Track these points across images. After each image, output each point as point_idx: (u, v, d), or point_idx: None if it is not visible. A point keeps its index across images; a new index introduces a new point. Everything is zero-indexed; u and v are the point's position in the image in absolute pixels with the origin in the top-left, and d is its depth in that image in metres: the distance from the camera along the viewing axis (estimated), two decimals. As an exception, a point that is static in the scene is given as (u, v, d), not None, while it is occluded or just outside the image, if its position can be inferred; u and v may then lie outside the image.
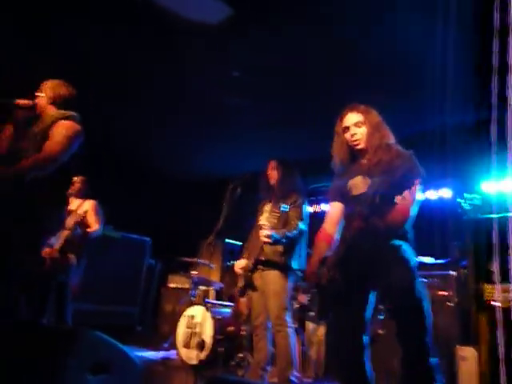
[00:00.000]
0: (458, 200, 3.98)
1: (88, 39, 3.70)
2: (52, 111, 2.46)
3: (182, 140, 5.64)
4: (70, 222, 3.09)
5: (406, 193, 1.75)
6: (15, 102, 2.43)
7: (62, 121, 2.37)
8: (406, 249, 1.80)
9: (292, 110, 4.55)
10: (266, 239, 2.76)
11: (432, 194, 4.84)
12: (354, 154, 2.05)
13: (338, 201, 2.05)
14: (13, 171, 2.18)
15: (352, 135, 2.01)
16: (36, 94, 2.51)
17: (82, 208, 3.33)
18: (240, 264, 3.08)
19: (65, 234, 2.98)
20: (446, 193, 4.75)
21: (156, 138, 5.63)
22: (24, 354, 1.79)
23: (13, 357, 1.68)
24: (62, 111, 2.44)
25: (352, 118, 2.03)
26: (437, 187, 4.84)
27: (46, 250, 2.79)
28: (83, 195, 3.36)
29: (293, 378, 2.76)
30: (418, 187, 1.85)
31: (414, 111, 4.24)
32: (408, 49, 3.45)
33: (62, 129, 2.33)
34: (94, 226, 3.19)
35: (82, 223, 3.19)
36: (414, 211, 1.82)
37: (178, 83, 4.32)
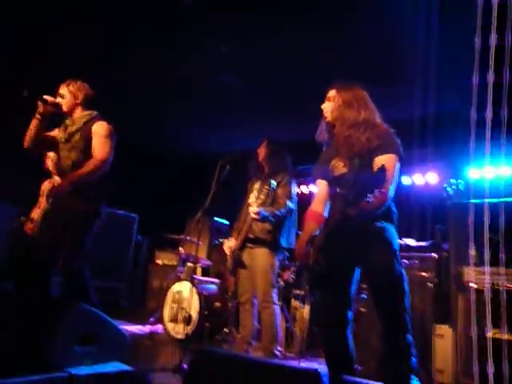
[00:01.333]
0: (444, 185, 4.08)
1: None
2: (80, 112, 2.69)
3: (171, 117, 5.60)
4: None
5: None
6: (44, 97, 2.61)
7: (96, 122, 2.65)
8: (389, 230, 1.84)
9: (283, 91, 4.53)
10: (255, 216, 2.80)
11: (419, 179, 4.92)
12: (330, 129, 2.05)
13: (323, 179, 2.07)
14: (74, 180, 2.47)
15: (322, 109, 2.04)
16: (60, 93, 2.68)
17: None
18: (229, 243, 3.13)
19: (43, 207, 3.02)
20: (432, 178, 4.83)
21: (145, 114, 5.57)
22: (12, 323, 1.82)
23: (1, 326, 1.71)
24: (89, 111, 2.70)
25: (329, 93, 2.05)
26: (423, 172, 4.92)
27: (28, 225, 2.81)
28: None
29: (277, 353, 2.85)
30: (395, 163, 1.87)
31: (402, 97, 4.27)
32: (394, 36, 3.46)
33: (101, 130, 2.62)
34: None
35: None
36: (392, 191, 1.83)
37: (166, 60, 4.26)
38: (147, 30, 3.78)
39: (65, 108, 2.68)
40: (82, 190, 2.55)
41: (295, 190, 3.13)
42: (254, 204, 2.82)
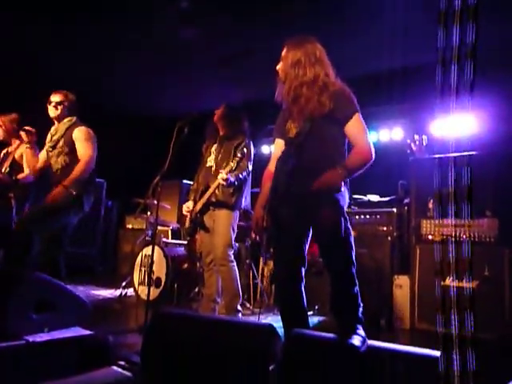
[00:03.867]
0: (408, 141, 4.13)
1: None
2: (65, 119, 2.94)
3: (136, 78, 5.38)
4: (5, 165, 3.13)
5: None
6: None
7: (76, 128, 2.90)
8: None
9: (242, 47, 4.38)
10: (223, 182, 2.79)
11: (384, 135, 4.96)
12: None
13: (281, 138, 2.05)
14: (69, 184, 2.70)
15: (276, 71, 1.99)
16: (53, 104, 2.92)
17: (18, 151, 3.28)
18: (187, 205, 3.14)
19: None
20: (397, 134, 4.88)
21: (106, 74, 5.33)
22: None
23: None
24: (69, 118, 2.95)
25: (283, 52, 2.00)
26: (389, 128, 4.95)
27: None
28: (18, 135, 3.22)
29: (239, 308, 2.95)
30: (362, 120, 1.87)
31: (367, 51, 4.21)
32: None
33: (81, 135, 2.88)
34: (25, 171, 3.16)
35: (14, 169, 3.25)
36: (372, 148, 1.84)
37: (126, 17, 4.04)
38: None
39: (57, 118, 2.96)
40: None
41: (252, 150, 3.14)
42: (223, 171, 2.82)
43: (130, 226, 5.78)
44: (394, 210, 3.61)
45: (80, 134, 2.89)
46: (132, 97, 6.10)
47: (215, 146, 3.14)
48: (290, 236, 1.83)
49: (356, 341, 1.56)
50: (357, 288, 1.74)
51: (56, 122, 2.98)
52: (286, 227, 1.82)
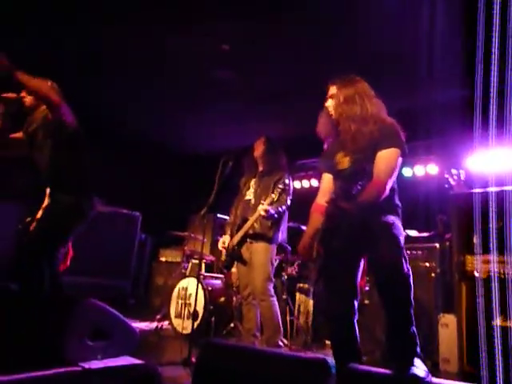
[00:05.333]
0: (446, 176, 4.10)
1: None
2: (41, 108, 2.49)
3: (174, 114, 5.60)
4: None
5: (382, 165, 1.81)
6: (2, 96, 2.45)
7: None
8: (397, 226, 1.86)
9: (283, 84, 4.53)
10: (264, 213, 2.84)
11: (419, 170, 4.94)
12: (335, 125, 2.07)
13: (328, 172, 2.10)
14: None
15: (326, 108, 2.06)
16: (25, 92, 2.49)
17: None
18: (223, 239, 3.18)
19: None
20: (432, 169, 4.85)
21: (147, 111, 5.59)
22: (24, 321, 1.85)
23: (15, 322, 1.74)
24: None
25: (329, 90, 2.07)
26: (424, 163, 4.93)
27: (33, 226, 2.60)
28: None
29: (281, 344, 2.90)
30: (397, 157, 1.89)
31: (401, 87, 4.28)
32: (396, 24, 3.46)
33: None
34: None
35: None
36: (388, 182, 1.84)
37: (171, 58, 4.27)
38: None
39: (27, 104, 2.53)
40: (62, 184, 2.46)
41: (292, 185, 3.20)
42: (264, 202, 2.88)
43: (163, 259, 5.84)
44: (437, 245, 3.53)
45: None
46: (167, 134, 6.33)
47: (254, 180, 3.21)
48: (342, 266, 1.83)
49: (419, 371, 1.51)
50: (414, 327, 1.72)
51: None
52: (338, 257, 1.82)
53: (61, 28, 3.83)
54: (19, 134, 2.61)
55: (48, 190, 2.52)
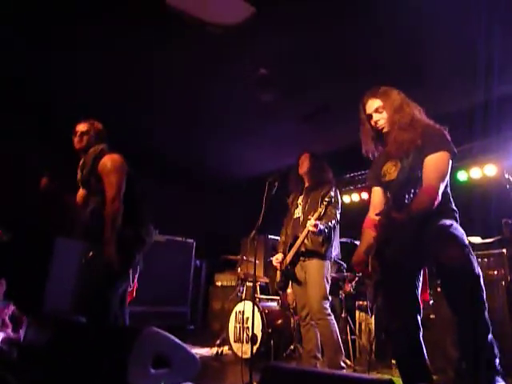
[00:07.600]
0: (506, 176, 3.84)
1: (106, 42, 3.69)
2: (93, 148, 2.58)
3: (218, 140, 5.70)
4: None
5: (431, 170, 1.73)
6: (46, 179, 2.63)
7: (103, 157, 2.51)
8: (456, 226, 1.77)
9: (327, 98, 4.51)
10: (313, 229, 2.80)
11: (476, 173, 4.66)
12: (382, 138, 2.04)
13: (376, 185, 2.06)
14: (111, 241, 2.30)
15: (375, 122, 2.02)
16: (80, 134, 2.61)
17: None
18: (276, 258, 3.16)
19: None
20: (491, 170, 4.57)
21: (192, 140, 5.75)
22: (91, 352, 1.93)
23: (82, 353, 1.82)
24: (95, 146, 2.58)
25: (372, 104, 2.03)
26: (481, 165, 4.66)
27: None
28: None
29: (343, 365, 2.79)
30: (447, 160, 1.82)
31: (457, 87, 4.11)
32: (453, 22, 3.32)
33: (106, 166, 2.47)
34: None
35: None
36: (439, 187, 1.78)
37: (218, 87, 4.37)
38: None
39: (85, 147, 2.61)
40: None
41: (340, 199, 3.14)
42: (311, 217, 2.85)
43: (219, 284, 5.91)
44: (504, 250, 3.29)
45: (104, 165, 2.47)
46: (211, 160, 6.47)
47: (301, 197, 3.19)
48: (399, 279, 1.76)
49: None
50: (491, 336, 1.58)
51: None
52: (394, 270, 1.75)
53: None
54: (81, 193, 2.71)
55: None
